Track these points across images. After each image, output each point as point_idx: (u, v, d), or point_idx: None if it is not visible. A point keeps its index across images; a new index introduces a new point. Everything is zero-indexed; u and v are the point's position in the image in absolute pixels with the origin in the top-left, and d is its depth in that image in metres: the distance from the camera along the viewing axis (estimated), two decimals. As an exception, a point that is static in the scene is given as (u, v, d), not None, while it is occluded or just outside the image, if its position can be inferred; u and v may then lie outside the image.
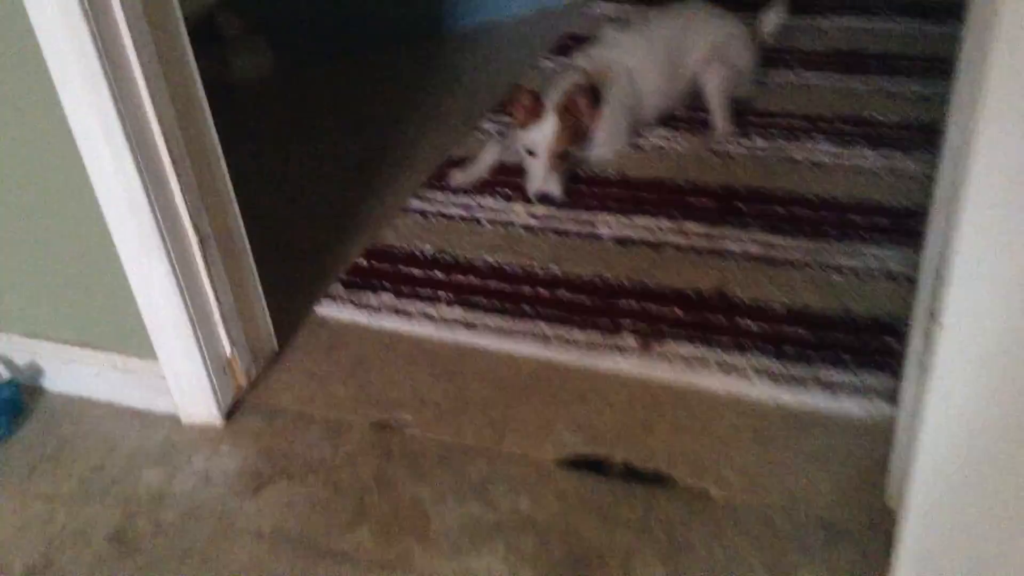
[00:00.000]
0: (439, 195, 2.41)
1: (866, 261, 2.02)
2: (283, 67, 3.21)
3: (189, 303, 1.63)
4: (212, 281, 1.68)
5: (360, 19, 3.23)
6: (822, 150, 2.44)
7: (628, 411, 1.72)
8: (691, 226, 2.19)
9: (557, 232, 2.23)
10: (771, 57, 2.93)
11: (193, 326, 1.65)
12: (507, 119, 2.52)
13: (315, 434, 1.74)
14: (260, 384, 1.87)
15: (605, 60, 2.47)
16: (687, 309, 1.93)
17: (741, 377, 1.75)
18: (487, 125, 2.71)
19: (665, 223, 2.21)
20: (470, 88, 3.01)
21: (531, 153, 2.27)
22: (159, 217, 1.54)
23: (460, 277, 2.09)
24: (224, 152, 1.69)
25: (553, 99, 2.29)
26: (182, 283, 1.61)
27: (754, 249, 2.10)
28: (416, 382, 1.85)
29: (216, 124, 1.66)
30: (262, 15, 3.18)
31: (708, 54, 2.59)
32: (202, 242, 1.63)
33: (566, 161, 2.31)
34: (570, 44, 3.09)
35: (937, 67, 2.77)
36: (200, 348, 1.68)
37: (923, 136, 2.45)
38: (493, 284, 2.06)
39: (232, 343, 1.76)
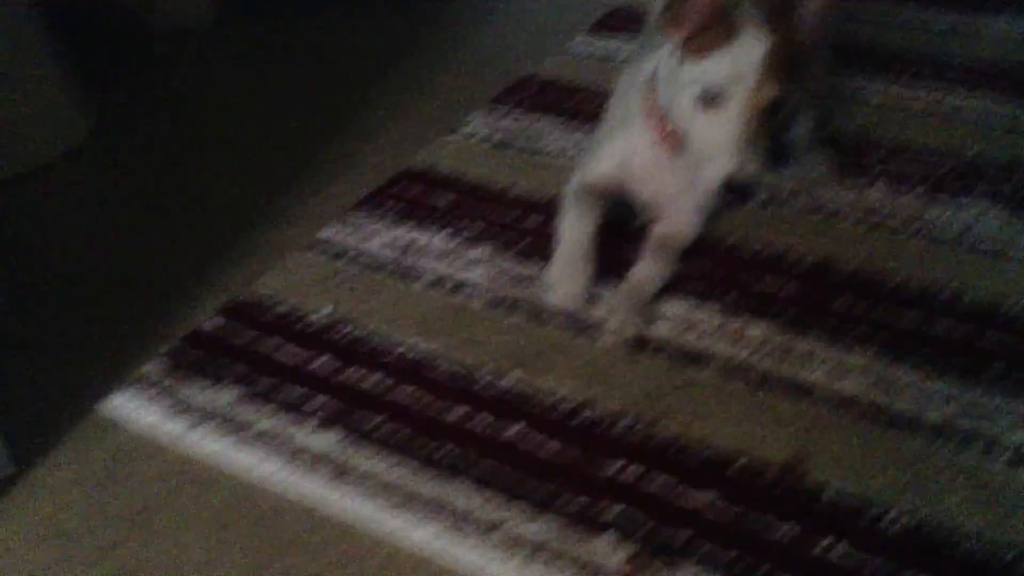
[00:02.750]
0: (372, 223, 1.56)
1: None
2: (227, 16, 2.40)
3: None
4: None
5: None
6: (986, 223, 1.53)
7: None
8: (755, 328, 1.31)
9: (532, 312, 1.36)
10: (904, 68, 2.01)
11: None
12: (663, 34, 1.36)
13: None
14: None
15: None
16: (730, 500, 1.06)
17: None
18: (478, 122, 1.85)
19: (712, 316, 1.34)
20: (466, 67, 2.15)
21: (710, 101, 1.25)
22: None
23: (356, 373, 1.25)
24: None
25: (752, 12, 1.25)
26: None
27: (857, 389, 1.21)
28: (211, 583, 1.01)
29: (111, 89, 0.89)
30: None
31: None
32: None
33: (770, 125, 1.27)
34: (617, 24, 2.22)
35: None
36: None
37: None
38: (402, 394, 1.21)
39: None
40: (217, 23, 2.39)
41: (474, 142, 1.79)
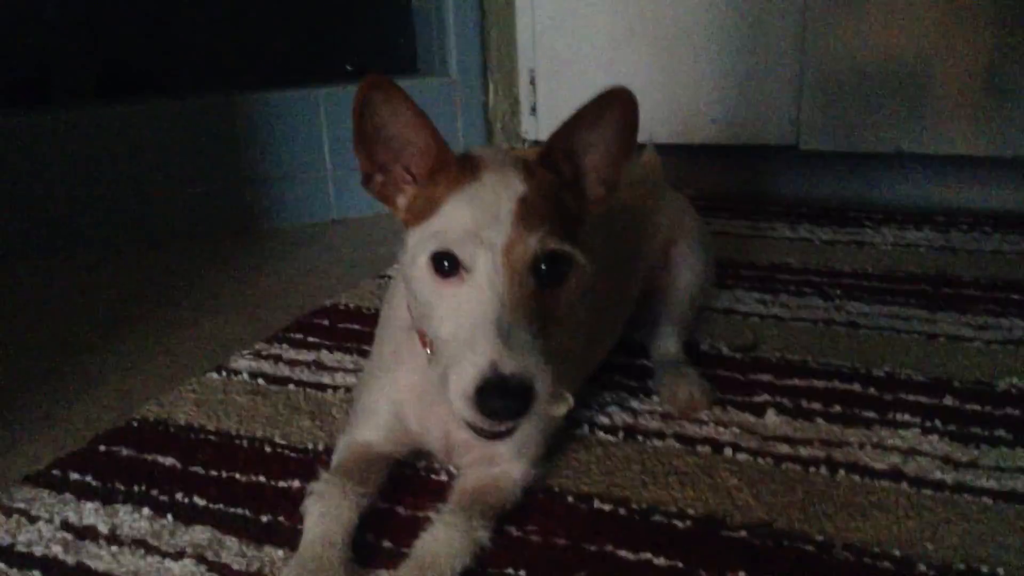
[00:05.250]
0: (45, 503, 1.03)
1: None
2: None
3: None
4: None
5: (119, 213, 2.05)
6: (892, 443, 1.10)
7: None
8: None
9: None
10: (794, 281, 1.68)
11: None
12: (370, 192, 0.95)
13: None
14: None
15: None
16: None
17: None
18: (249, 360, 1.39)
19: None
20: (250, 304, 1.72)
21: (449, 269, 0.83)
22: None
23: None
24: None
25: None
26: None
27: None
28: None
29: None
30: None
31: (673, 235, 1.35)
32: None
33: (546, 308, 0.84)
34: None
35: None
36: None
37: None
38: None
39: None
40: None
41: (238, 382, 1.32)
